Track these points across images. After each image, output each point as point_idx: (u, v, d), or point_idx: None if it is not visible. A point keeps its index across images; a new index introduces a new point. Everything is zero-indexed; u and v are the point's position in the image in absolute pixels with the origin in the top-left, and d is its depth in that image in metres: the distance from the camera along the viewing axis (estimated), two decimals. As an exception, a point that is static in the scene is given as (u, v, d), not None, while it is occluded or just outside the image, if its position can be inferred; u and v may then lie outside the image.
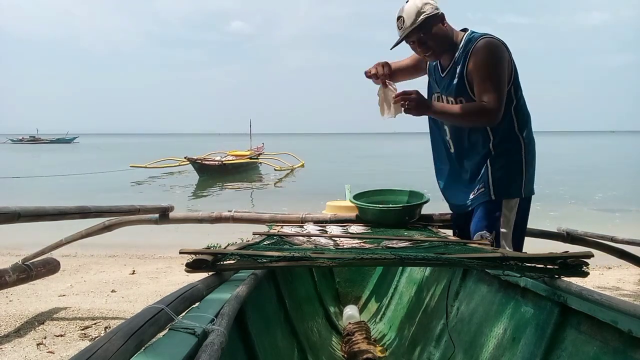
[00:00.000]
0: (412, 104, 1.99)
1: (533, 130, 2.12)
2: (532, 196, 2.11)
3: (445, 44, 2.06)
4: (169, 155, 17.98)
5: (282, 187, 14.28)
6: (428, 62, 2.23)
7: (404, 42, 2.09)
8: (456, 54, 2.05)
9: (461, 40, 2.05)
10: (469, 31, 2.07)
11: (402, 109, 2.01)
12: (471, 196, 2.11)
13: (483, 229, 2.00)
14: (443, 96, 2.15)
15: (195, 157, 15.21)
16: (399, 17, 2.05)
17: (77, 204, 2.50)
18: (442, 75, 2.13)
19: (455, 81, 2.05)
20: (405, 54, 2.30)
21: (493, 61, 1.95)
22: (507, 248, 1.98)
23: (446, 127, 2.20)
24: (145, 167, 15.57)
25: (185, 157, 14.96)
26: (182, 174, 16.47)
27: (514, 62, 2.01)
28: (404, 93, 2.01)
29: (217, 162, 15.68)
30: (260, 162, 18.10)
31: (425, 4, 2.02)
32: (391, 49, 2.14)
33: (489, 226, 2.00)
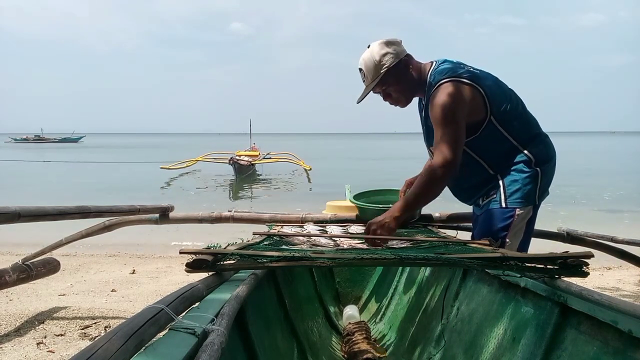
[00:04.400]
0: (379, 233, 1.82)
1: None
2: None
3: (413, 89, 1.96)
4: (184, 157, 18.63)
5: (285, 187, 14.37)
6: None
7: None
8: (425, 94, 1.93)
9: (427, 76, 1.91)
10: (435, 65, 1.92)
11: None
12: (481, 202, 1.97)
13: (487, 236, 1.84)
14: (429, 151, 2.01)
15: (237, 157, 15.76)
16: (360, 70, 1.95)
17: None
18: (423, 118, 2.03)
19: (425, 128, 1.99)
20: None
21: (444, 111, 1.78)
22: None
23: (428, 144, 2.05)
24: (170, 169, 16.28)
25: (230, 159, 15.57)
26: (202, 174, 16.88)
27: (486, 94, 1.83)
28: (368, 235, 1.85)
29: (248, 163, 16.17)
30: (288, 162, 18.48)
31: (385, 54, 1.89)
32: (358, 103, 2.06)
33: (493, 234, 1.85)
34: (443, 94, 1.79)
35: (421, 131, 2.15)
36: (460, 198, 2.14)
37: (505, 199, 1.87)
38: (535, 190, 1.87)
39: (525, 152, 1.87)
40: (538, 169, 1.86)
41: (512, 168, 1.88)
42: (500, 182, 1.89)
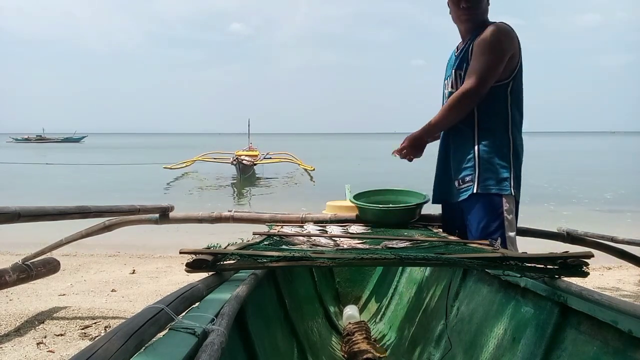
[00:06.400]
0: (408, 151, 2.12)
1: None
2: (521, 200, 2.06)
3: (480, 17, 2.08)
4: (186, 156, 18.63)
5: (284, 187, 14.41)
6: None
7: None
8: (474, 35, 2.07)
9: (485, 25, 2.08)
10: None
11: (409, 158, 2.17)
12: (457, 185, 2.08)
13: (488, 236, 1.91)
14: (449, 77, 2.17)
15: (241, 157, 15.70)
16: None
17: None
18: (456, 54, 2.16)
19: (462, 53, 2.09)
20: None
21: (491, 42, 1.95)
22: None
23: (447, 91, 2.20)
24: (172, 168, 16.36)
25: (234, 159, 15.53)
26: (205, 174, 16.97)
27: (520, 57, 2.01)
28: (400, 152, 2.15)
29: (250, 163, 16.13)
30: (289, 162, 18.53)
31: None
32: None
33: (496, 231, 1.94)
34: (497, 28, 1.98)
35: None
36: (441, 186, 2.24)
37: (477, 184, 1.99)
38: (509, 180, 1.97)
39: (509, 132, 2.01)
40: (511, 158, 1.99)
41: (492, 142, 2.00)
42: (476, 164, 2.00)
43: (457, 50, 2.18)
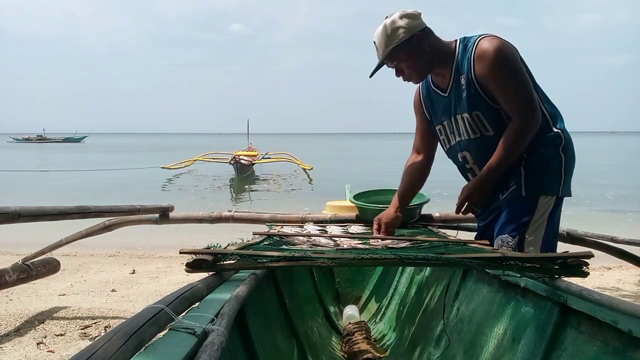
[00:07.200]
0: (475, 203, 1.82)
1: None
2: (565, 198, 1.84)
3: (427, 65, 1.86)
4: (186, 157, 18.60)
5: (284, 187, 14.41)
6: (418, 99, 2.07)
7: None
8: (453, 66, 1.83)
9: (455, 49, 1.83)
10: (461, 37, 1.86)
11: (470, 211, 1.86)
12: (500, 196, 1.85)
13: (506, 233, 1.77)
14: (452, 119, 1.90)
15: (239, 157, 15.72)
16: (374, 42, 1.87)
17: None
18: (446, 96, 1.90)
19: (464, 94, 1.81)
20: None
21: (506, 60, 1.72)
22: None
23: (458, 140, 1.93)
24: (170, 168, 16.49)
25: (232, 158, 15.52)
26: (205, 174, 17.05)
27: (522, 57, 1.81)
28: (462, 205, 1.83)
29: (249, 162, 16.15)
30: (288, 161, 18.61)
31: (396, 29, 1.79)
32: (370, 77, 1.93)
33: (514, 230, 1.75)
34: (497, 45, 1.72)
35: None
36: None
37: (525, 187, 1.77)
38: (559, 179, 1.78)
39: (554, 128, 1.80)
40: (563, 155, 1.79)
41: (540, 149, 1.78)
42: (522, 169, 1.79)
43: (443, 91, 1.91)
